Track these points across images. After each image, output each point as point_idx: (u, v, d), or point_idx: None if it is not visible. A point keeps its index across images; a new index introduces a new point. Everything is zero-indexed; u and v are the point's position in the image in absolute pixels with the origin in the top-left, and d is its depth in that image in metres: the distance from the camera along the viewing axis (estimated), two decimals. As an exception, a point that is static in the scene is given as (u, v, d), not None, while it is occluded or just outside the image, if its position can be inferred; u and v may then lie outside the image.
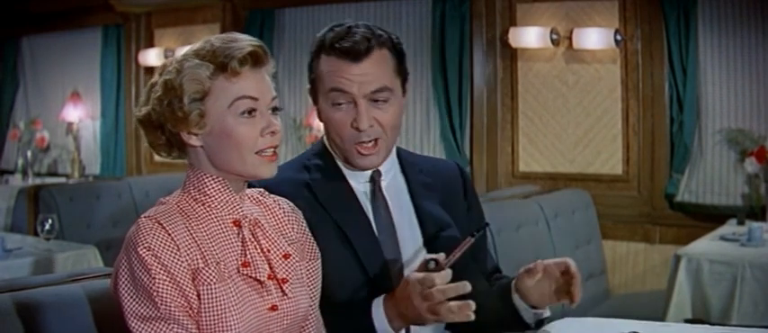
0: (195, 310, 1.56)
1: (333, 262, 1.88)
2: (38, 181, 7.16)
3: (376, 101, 1.95)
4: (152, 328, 1.54)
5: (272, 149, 1.64)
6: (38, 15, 7.80)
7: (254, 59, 1.63)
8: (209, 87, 1.60)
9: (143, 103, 1.66)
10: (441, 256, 1.80)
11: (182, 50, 1.69)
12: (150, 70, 7.25)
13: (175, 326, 1.54)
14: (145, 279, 1.53)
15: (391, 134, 2.00)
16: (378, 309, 1.87)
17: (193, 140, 1.63)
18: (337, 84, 1.93)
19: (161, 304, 1.52)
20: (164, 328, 1.54)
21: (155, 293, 1.52)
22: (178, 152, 1.69)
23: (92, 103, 7.73)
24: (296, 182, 1.97)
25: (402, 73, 2.02)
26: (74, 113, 7.66)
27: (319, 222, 1.89)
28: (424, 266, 1.80)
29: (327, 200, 1.98)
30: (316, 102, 2.01)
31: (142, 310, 1.53)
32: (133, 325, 1.54)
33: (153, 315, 1.53)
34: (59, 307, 1.83)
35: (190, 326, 1.55)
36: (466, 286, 1.74)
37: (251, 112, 1.62)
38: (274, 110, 1.66)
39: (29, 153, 7.68)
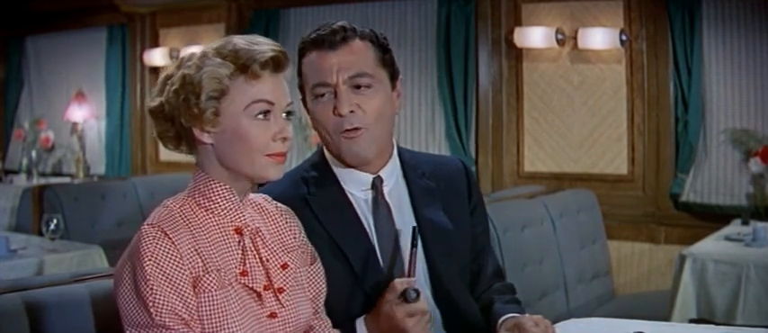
0: (196, 318, 1.56)
1: (329, 278, 1.84)
2: (42, 181, 7.17)
3: (358, 87, 1.91)
4: None
5: (282, 153, 1.65)
6: (42, 15, 7.81)
7: (276, 64, 1.65)
8: (228, 87, 1.61)
9: (157, 94, 1.66)
10: (412, 281, 1.81)
11: (187, 50, 1.68)
12: (155, 70, 7.26)
13: None
14: (143, 289, 1.52)
15: (378, 124, 1.94)
16: (361, 326, 1.87)
17: (205, 137, 1.63)
18: (318, 78, 1.92)
19: (156, 315, 1.52)
20: None
21: (150, 303, 1.52)
22: (187, 147, 1.69)
23: (96, 103, 7.73)
24: (294, 197, 1.92)
25: (387, 66, 1.97)
26: (78, 113, 7.66)
27: (317, 239, 1.85)
28: (404, 296, 1.80)
29: (324, 214, 1.94)
30: (308, 109, 1.98)
31: (138, 319, 1.54)
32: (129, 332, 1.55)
33: (147, 323, 1.53)
34: (63, 307, 1.84)
35: None
36: None
37: (265, 114, 1.63)
38: (288, 115, 1.67)
39: (33, 153, 7.70)
